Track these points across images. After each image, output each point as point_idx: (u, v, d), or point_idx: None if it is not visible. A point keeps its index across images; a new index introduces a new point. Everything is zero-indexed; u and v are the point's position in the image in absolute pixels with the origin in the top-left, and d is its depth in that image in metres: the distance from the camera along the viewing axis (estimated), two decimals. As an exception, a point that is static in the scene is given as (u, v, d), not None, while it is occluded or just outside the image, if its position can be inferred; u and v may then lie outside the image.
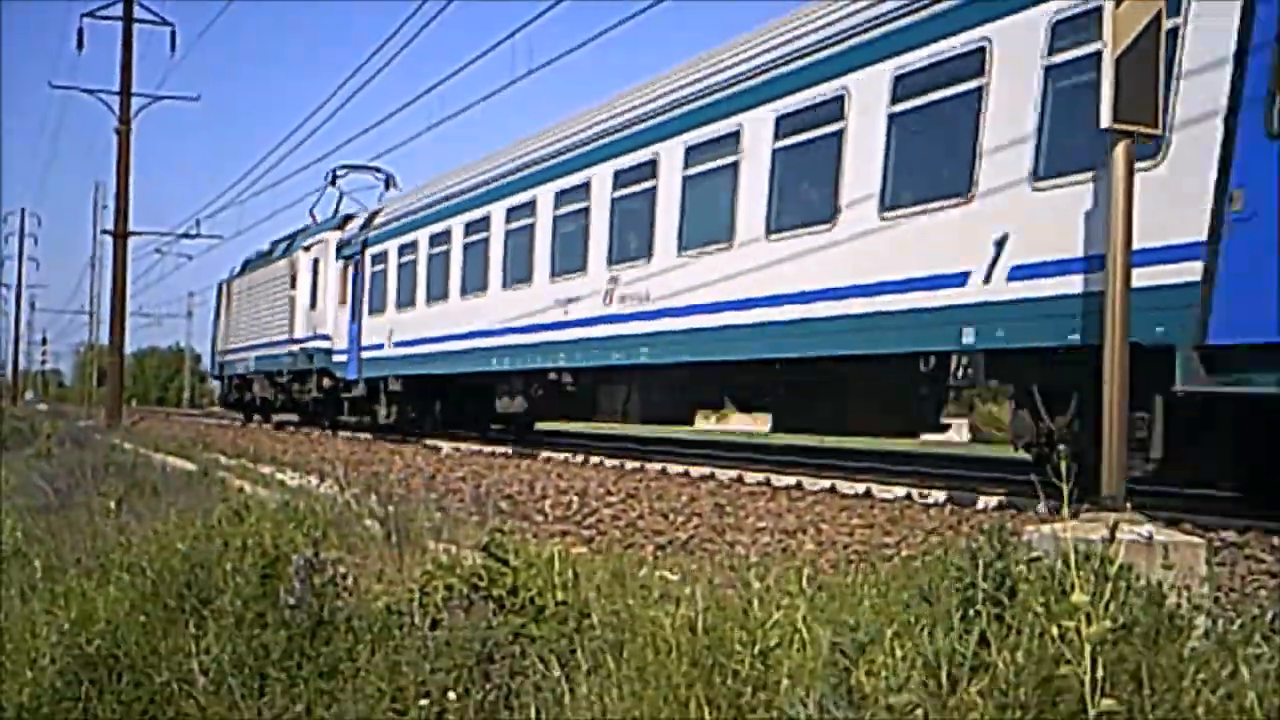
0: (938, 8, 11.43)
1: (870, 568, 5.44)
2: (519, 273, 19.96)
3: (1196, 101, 8.73)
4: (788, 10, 14.13)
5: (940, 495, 11.24)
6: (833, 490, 12.28)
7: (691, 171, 15.32)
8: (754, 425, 21.71)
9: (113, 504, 11.37)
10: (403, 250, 25.38)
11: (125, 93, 34.62)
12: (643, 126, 16.58)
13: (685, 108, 15.59)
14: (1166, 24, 7.29)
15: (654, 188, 16.00)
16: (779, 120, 13.55)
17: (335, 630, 6.00)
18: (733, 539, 8.17)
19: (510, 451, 20.24)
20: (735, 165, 14.32)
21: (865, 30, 12.30)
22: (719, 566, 6.02)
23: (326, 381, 29.72)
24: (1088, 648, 3.14)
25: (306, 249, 31.89)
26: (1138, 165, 7.37)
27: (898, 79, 11.78)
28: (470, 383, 23.00)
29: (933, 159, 11.70)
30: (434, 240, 23.75)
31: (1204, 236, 8.61)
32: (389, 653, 5.38)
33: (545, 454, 18.97)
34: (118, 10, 34.97)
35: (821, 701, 3.25)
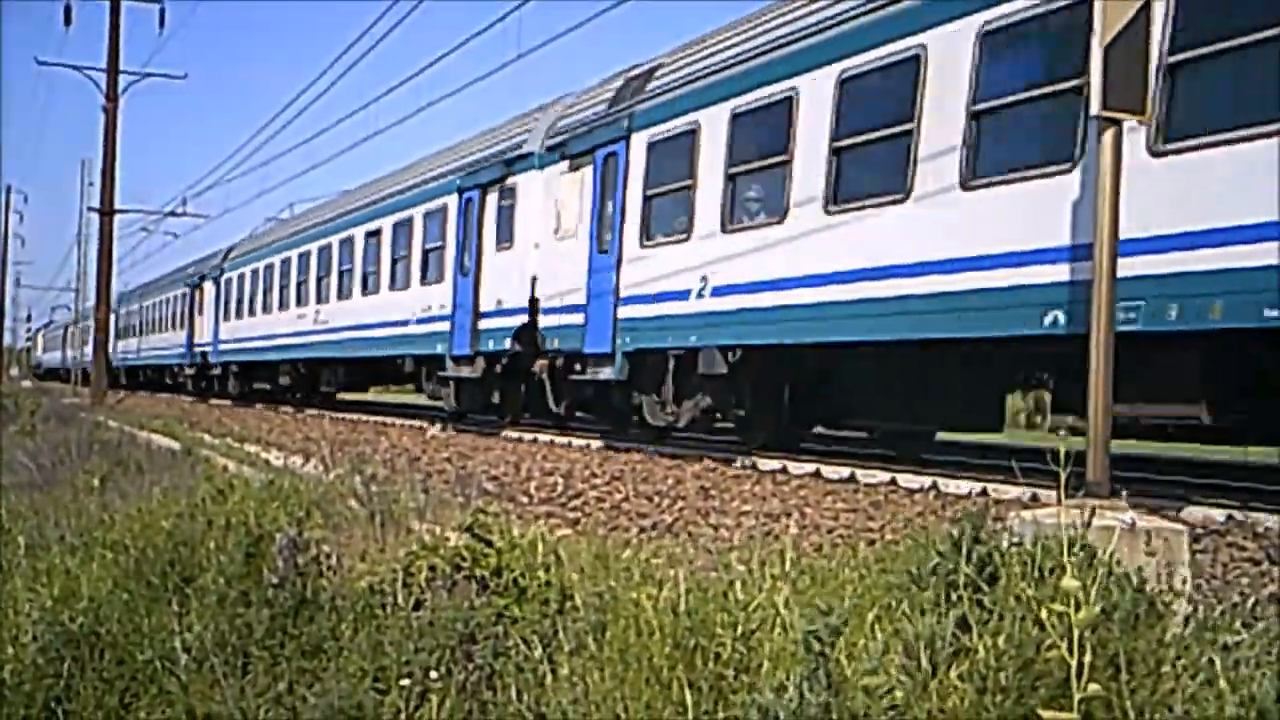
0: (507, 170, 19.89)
1: (852, 552, 5.46)
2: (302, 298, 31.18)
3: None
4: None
5: (924, 480, 11.26)
6: (817, 475, 12.29)
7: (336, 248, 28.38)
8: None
9: (97, 481, 11.36)
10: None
11: (112, 70, 34.43)
12: (326, 227, 29.53)
13: (320, 228, 30.09)
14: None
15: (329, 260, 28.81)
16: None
17: (318, 609, 6.00)
18: (717, 522, 8.18)
19: (499, 434, 20.27)
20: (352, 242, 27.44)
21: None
22: (702, 549, 6.03)
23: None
24: (1075, 633, 3.14)
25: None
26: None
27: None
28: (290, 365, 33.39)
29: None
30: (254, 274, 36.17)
31: None
32: (372, 632, 5.38)
33: (530, 435, 18.98)
34: (106, -14, 34.72)
35: (800, 685, 3.25)
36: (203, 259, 43.75)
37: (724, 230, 13.62)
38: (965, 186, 10.29)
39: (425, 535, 6.09)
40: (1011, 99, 10.11)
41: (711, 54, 14.61)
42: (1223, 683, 3.15)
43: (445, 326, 20.92)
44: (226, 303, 38.18)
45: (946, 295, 10.40)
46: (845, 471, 12.24)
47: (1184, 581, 4.00)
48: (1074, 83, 9.14)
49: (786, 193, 12.60)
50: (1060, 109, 9.55)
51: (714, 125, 13.91)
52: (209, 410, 30.59)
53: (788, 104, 12.63)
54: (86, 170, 58.48)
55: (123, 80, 34.74)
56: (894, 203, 11.04)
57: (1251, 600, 3.94)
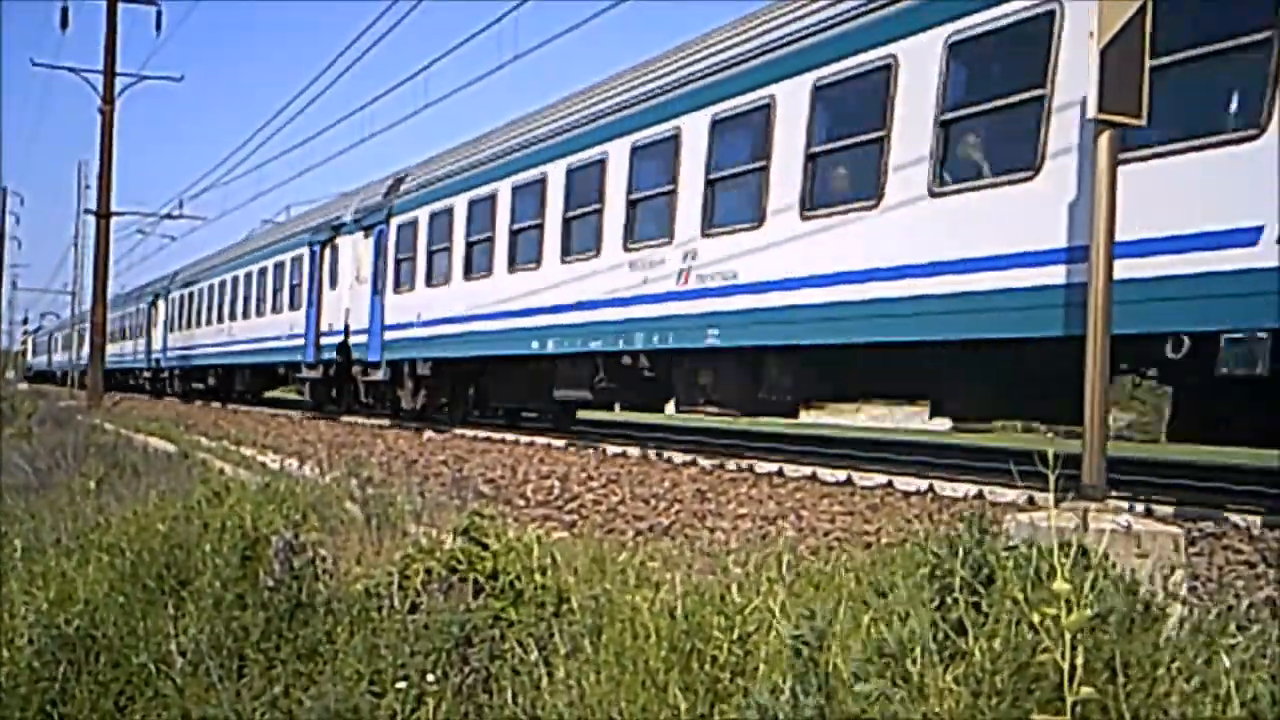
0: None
1: (849, 555, 5.45)
2: (219, 318, 39.45)
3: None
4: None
5: (921, 483, 11.26)
6: (814, 477, 12.29)
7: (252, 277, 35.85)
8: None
9: (93, 484, 11.34)
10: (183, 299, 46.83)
11: (109, 72, 34.35)
12: (235, 262, 38.26)
13: (232, 263, 38.68)
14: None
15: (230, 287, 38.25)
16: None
17: (314, 612, 5.99)
18: (713, 525, 8.17)
19: (493, 435, 20.29)
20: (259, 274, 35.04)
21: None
22: (699, 553, 6.02)
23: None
24: (1067, 636, 3.13)
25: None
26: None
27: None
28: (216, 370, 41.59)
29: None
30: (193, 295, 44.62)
31: None
32: (367, 635, 5.37)
33: (525, 438, 18.99)
34: (103, -11, 34.64)
35: (793, 689, 3.25)
36: (159, 278, 51.74)
37: (428, 285, 22.24)
38: (510, 271, 18.78)
39: (421, 538, 6.08)
40: (583, 210, 17.14)
41: (429, 173, 22.93)
42: (1228, 684, 3.15)
43: (302, 342, 29.11)
44: (171, 318, 47.16)
45: (516, 329, 18.31)
46: (842, 475, 12.25)
47: (1179, 584, 3.99)
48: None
49: (450, 265, 21.22)
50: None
51: (424, 219, 22.48)
52: (205, 413, 30.59)
53: (448, 214, 21.37)
54: (83, 172, 58.60)
55: (119, 82, 34.66)
56: (484, 277, 19.80)
57: (1246, 603, 3.94)
